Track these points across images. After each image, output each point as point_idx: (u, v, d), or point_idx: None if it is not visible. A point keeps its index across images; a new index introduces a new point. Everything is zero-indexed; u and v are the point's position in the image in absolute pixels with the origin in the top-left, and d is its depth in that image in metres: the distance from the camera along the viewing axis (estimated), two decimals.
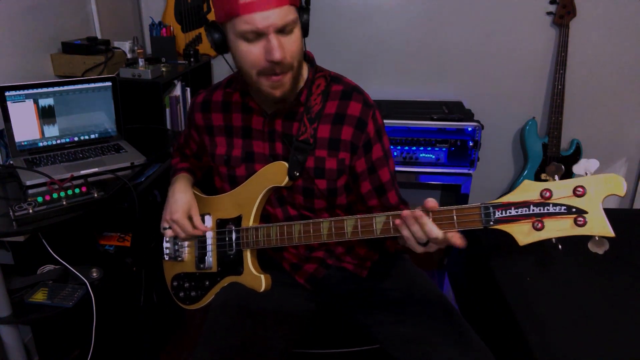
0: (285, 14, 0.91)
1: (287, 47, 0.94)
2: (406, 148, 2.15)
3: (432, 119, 2.12)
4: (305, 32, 1.01)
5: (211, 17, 2.40)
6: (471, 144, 2.11)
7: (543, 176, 2.35)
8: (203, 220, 1.19)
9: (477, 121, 2.11)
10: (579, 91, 2.35)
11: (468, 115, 2.20)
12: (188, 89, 2.20)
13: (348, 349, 1.51)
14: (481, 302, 1.72)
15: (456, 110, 2.25)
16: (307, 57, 1.12)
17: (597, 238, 0.78)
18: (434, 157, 2.15)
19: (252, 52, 0.94)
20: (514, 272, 1.55)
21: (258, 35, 0.92)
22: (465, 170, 2.16)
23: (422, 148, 2.15)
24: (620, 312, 1.38)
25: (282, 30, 0.93)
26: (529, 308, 1.39)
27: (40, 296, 1.35)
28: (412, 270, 1.22)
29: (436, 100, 2.41)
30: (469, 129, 2.09)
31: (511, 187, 2.48)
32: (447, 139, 2.12)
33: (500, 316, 1.46)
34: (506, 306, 1.42)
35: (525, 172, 2.36)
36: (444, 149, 2.13)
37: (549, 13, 2.26)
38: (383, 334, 1.11)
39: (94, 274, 1.42)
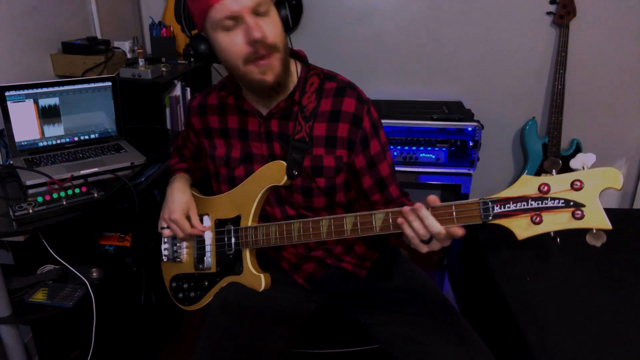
0: None
1: (265, 28, 0.95)
2: (406, 148, 2.15)
3: (432, 119, 2.12)
4: (286, 26, 1.02)
5: None
6: (471, 144, 2.11)
7: (543, 175, 2.35)
8: (201, 221, 1.19)
9: (477, 121, 2.11)
10: (579, 91, 2.35)
11: (468, 115, 2.20)
12: (188, 89, 2.20)
13: (348, 349, 1.51)
14: (481, 301, 1.72)
15: (456, 110, 2.25)
16: (298, 56, 1.12)
17: (594, 231, 0.78)
18: (434, 157, 2.15)
19: (234, 41, 0.96)
20: (512, 271, 1.55)
21: (235, 20, 0.93)
22: (465, 170, 2.16)
23: (422, 148, 2.15)
24: (619, 311, 1.38)
25: (257, 12, 0.94)
26: (528, 307, 1.39)
27: (40, 296, 1.35)
28: (411, 270, 1.22)
29: (436, 100, 2.41)
30: (469, 129, 2.09)
31: None
32: (447, 139, 2.12)
33: (499, 316, 1.46)
34: (505, 305, 1.42)
35: (525, 172, 2.36)
36: (444, 149, 2.13)
37: (549, 13, 2.25)
38: (383, 334, 1.11)
39: (94, 274, 1.42)
